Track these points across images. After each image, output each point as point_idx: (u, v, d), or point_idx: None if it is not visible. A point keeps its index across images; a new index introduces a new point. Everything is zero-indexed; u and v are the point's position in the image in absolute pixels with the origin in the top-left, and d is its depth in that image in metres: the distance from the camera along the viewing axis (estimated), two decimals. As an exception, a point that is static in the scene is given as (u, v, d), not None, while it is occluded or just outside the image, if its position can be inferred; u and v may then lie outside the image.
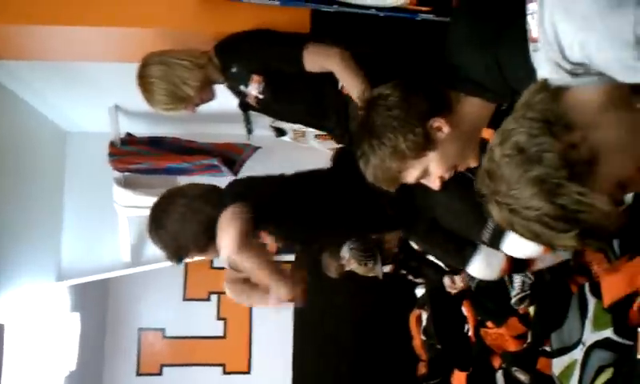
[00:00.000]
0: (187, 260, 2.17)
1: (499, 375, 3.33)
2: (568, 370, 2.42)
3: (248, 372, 5.44)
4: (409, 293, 4.54)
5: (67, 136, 3.89)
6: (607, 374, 2.17)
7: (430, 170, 1.54)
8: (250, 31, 2.24)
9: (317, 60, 2.12)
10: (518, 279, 2.84)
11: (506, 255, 2.35)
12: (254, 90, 2.28)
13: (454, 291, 3.73)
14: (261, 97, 2.29)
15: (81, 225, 3.81)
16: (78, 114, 3.68)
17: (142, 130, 3.48)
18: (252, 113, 2.62)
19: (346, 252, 3.58)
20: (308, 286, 2.05)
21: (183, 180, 3.10)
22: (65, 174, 3.84)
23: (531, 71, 1.11)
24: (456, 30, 1.57)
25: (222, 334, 5.46)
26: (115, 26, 2.42)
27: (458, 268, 3.37)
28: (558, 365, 2.53)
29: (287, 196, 2.03)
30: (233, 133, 3.45)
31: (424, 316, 4.32)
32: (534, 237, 1.06)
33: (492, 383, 3.37)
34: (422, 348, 4.49)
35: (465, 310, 3.68)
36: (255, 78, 2.25)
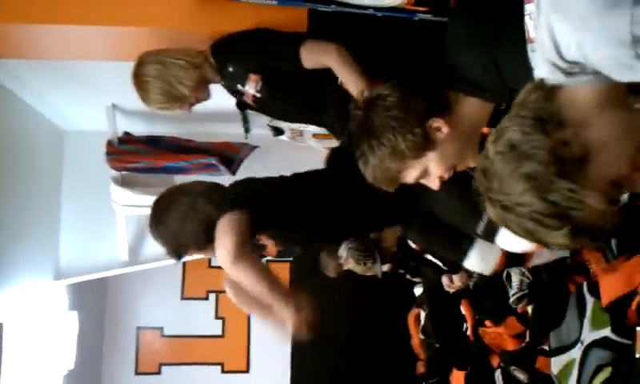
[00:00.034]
0: (186, 258, 2.17)
1: (498, 374, 3.33)
2: (566, 369, 2.42)
3: (247, 371, 5.45)
4: (407, 292, 4.54)
5: (65, 135, 3.88)
6: (605, 373, 2.17)
7: (430, 170, 1.54)
8: (247, 31, 2.24)
9: (314, 56, 2.13)
10: (516, 278, 2.85)
11: (502, 250, 2.36)
12: (251, 88, 2.28)
13: (452, 290, 3.73)
14: (258, 95, 2.29)
15: (78, 223, 3.81)
16: (75, 113, 3.67)
17: (139, 128, 3.47)
18: (249, 112, 2.61)
19: (344, 251, 3.59)
20: (314, 315, 1.81)
21: (181, 179, 3.10)
22: (62, 172, 3.84)
23: (530, 72, 1.11)
24: (454, 30, 1.57)
25: (220, 333, 5.46)
26: (113, 25, 2.41)
27: (455, 262, 3.38)
28: (556, 364, 2.53)
29: (287, 199, 2.01)
30: (231, 132, 3.45)
31: (422, 315, 4.32)
32: (527, 234, 1.06)
33: (491, 382, 3.37)
34: (421, 347, 4.50)
35: (463, 309, 3.68)
36: (253, 76, 2.26)
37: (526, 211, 1.02)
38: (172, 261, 2.17)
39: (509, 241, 2.19)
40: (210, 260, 4.87)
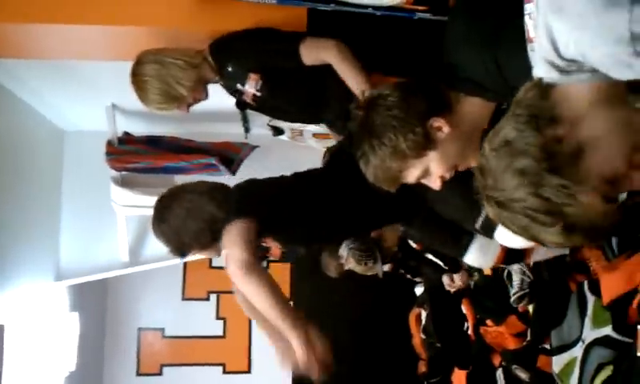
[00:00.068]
0: (189, 257, 2.16)
1: (499, 373, 3.33)
2: (568, 368, 2.42)
3: (248, 371, 5.45)
4: (408, 291, 4.54)
5: (64, 135, 3.88)
6: (607, 372, 2.17)
7: (431, 170, 1.54)
8: (246, 30, 2.24)
9: (314, 52, 2.14)
10: (517, 277, 2.85)
11: (501, 245, 2.36)
12: (251, 87, 2.28)
13: (453, 290, 3.73)
14: (258, 94, 2.29)
15: (79, 224, 3.80)
16: (75, 113, 3.67)
17: (139, 128, 3.47)
18: (249, 112, 2.61)
19: (344, 251, 3.58)
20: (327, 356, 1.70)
21: (181, 179, 3.10)
22: (62, 173, 3.83)
23: (530, 71, 1.11)
24: (453, 29, 1.56)
25: (221, 334, 5.46)
26: (112, 25, 2.41)
27: (455, 261, 3.38)
28: (557, 362, 2.53)
29: (290, 200, 2.00)
30: (231, 132, 3.45)
31: (423, 315, 4.33)
32: (522, 231, 1.06)
33: (492, 381, 3.37)
34: (422, 346, 4.50)
35: (464, 308, 3.68)
36: (252, 76, 2.26)
37: (519, 207, 1.02)
38: (173, 261, 2.16)
39: (506, 236, 2.19)
40: (210, 260, 4.87)
